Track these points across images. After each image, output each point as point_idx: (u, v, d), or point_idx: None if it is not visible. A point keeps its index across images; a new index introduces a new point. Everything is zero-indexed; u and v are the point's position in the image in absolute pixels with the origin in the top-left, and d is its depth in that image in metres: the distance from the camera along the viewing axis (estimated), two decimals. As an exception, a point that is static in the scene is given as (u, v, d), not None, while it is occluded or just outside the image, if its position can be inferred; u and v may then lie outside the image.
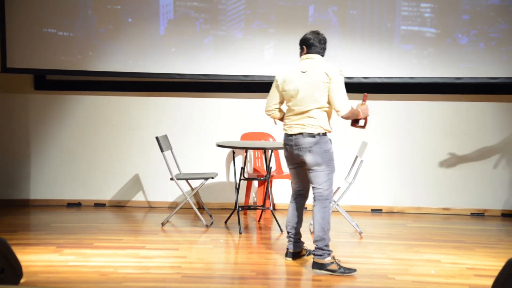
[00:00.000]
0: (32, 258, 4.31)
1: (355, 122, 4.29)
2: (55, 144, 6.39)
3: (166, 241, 4.99)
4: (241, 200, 6.15)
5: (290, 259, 4.42)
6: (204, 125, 6.35)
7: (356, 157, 5.51)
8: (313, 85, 4.11)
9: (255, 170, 6.15)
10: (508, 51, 5.93)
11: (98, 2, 6.08)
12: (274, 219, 5.54)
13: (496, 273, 2.81)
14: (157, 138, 5.51)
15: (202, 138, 6.32)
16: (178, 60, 6.07)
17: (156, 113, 6.36)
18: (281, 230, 5.32)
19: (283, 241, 5.14)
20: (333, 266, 4.11)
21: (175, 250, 4.64)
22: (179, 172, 5.78)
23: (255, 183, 6.17)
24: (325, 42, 4.24)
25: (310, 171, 4.16)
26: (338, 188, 5.46)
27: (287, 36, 6.03)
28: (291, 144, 4.20)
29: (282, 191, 6.28)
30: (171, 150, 5.79)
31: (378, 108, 6.29)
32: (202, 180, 5.55)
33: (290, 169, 4.38)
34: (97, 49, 6.09)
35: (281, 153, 6.24)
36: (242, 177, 5.57)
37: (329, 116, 4.17)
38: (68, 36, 6.12)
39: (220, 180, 6.31)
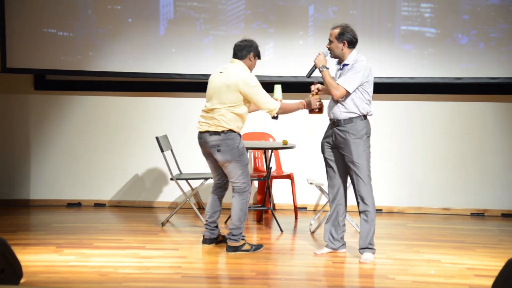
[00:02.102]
0: (32, 258, 4.31)
1: (311, 110, 4.57)
2: (55, 144, 6.39)
3: (166, 241, 4.99)
4: (241, 200, 6.15)
5: (206, 245, 4.69)
6: (204, 125, 6.33)
7: (356, 157, 5.50)
8: (222, 85, 4.37)
9: (255, 170, 6.15)
10: (508, 51, 5.93)
11: (98, 2, 6.08)
12: (274, 219, 5.54)
13: (496, 273, 2.80)
14: (157, 138, 5.50)
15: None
16: (178, 60, 6.07)
17: (156, 113, 6.35)
18: (281, 230, 5.32)
19: (283, 241, 5.14)
20: (246, 246, 4.52)
21: (175, 250, 4.64)
22: (179, 172, 5.78)
23: (255, 183, 6.17)
24: (243, 48, 4.45)
25: (223, 167, 4.46)
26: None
27: (287, 36, 6.04)
28: (201, 142, 4.49)
29: (282, 191, 6.28)
30: (171, 150, 5.79)
31: (378, 108, 6.28)
32: (202, 180, 5.55)
33: (208, 163, 4.63)
34: (97, 49, 6.09)
35: (281, 153, 6.24)
36: (242, 177, 5.56)
37: (238, 118, 4.42)
38: (68, 36, 6.12)
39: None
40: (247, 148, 5.33)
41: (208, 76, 6.02)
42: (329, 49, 4.45)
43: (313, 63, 4.47)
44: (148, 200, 6.41)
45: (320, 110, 4.57)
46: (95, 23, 6.10)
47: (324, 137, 4.61)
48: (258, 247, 4.61)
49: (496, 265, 4.27)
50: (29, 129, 6.38)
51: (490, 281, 2.89)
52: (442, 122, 6.28)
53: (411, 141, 6.30)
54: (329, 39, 4.43)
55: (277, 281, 4.03)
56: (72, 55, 6.12)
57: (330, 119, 4.51)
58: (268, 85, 6.26)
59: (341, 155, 4.45)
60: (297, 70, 6.02)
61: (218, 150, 4.38)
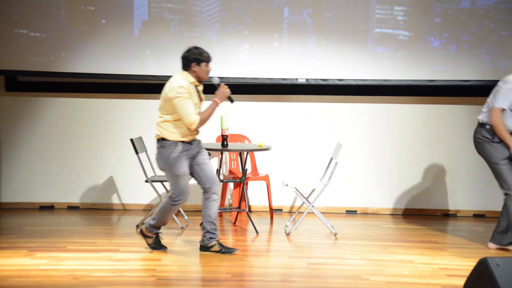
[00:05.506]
0: (3, 262, 4.24)
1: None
2: (27, 146, 6.29)
3: (141, 244, 4.93)
4: (217, 202, 6.13)
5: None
6: (179, 127, 6.30)
7: (331, 158, 5.55)
8: (161, 96, 4.49)
9: (230, 172, 6.14)
10: (479, 54, 6.03)
11: (71, 2, 6.01)
12: (249, 221, 5.54)
13: (467, 273, 2.85)
14: (131, 140, 5.46)
15: (177, 140, 6.28)
16: (152, 62, 6.03)
17: (131, 115, 6.30)
18: (257, 232, 5.33)
19: (258, 243, 5.15)
20: (149, 240, 4.66)
21: (150, 252, 4.61)
22: (154, 174, 5.74)
23: (231, 185, 6.16)
24: (184, 58, 4.45)
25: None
26: (313, 189, 5.49)
27: (262, 38, 6.05)
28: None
29: (257, 193, 6.28)
30: (146, 152, 5.74)
31: (353, 110, 6.34)
32: (177, 182, 5.51)
33: None
34: (70, 50, 6.02)
35: (257, 154, 6.24)
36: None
37: (175, 126, 4.43)
38: (40, 36, 6.04)
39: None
40: (223, 150, 5.33)
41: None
42: None
43: None
44: (123, 203, 6.36)
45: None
46: (68, 24, 6.02)
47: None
48: (159, 247, 4.64)
49: (467, 265, 4.33)
50: None
51: (462, 281, 2.94)
52: (416, 124, 6.35)
53: (385, 142, 6.36)
54: None
55: (253, 283, 4.03)
56: (44, 56, 6.04)
57: None
58: (243, 87, 6.27)
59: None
60: (272, 71, 6.05)
61: (156, 155, 4.52)
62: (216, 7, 6.02)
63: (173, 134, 4.41)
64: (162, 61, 6.02)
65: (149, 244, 4.65)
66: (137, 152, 5.44)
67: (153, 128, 6.18)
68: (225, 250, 4.56)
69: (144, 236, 4.65)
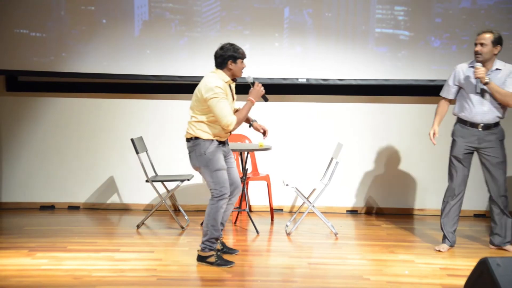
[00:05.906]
0: (4, 262, 4.25)
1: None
2: (28, 146, 6.29)
3: (141, 244, 4.96)
4: (217, 202, 6.13)
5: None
6: (180, 127, 6.27)
7: (332, 158, 5.55)
8: (194, 95, 4.32)
9: (231, 172, 6.13)
10: (479, 54, 6.02)
11: (71, 2, 6.02)
12: (250, 221, 5.54)
13: (468, 273, 2.85)
14: (132, 140, 5.46)
15: (178, 140, 6.26)
16: (153, 62, 6.04)
17: (131, 115, 6.31)
18: (257, 232, 5.33)
19: (259, 243, 5.15)
20: (211, 259, 4.27)
21: (151, 252, 4.62)
22: (154, 174, 5.75)
23: (231, 185, 6.16)
24: (219, 56, 4.27)
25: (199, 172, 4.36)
26: (314, 189, 5.49)
27: (263, 38, 6.05)
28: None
29: (258, 193, 6.28)
30: (146, 152, 5.75)
31: (353, 109, 6.34)
32: (178, 182, 5.52)
33: None
34: (71, 50, 6.02)
35: (257, 154, 6.25)
36: (218, 179, 5.54)
37: (210, 127, 4.26)
38: (41, 36, 6.04)
39: (196, 182, 6.28)
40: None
41: (183, 77, 6.07)
42: (478, 52, 4.54)
43: (475, 78, 4.53)
44: (123, 203, 6.36)
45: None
46: (68, 24, 6.03)
47: (464, 141, 4.79)
48: (225, 263, 4.29)
49: (468, 264, 4.34)
50: (0, 131, 6.27)
51: (463, 281, 2.94)
52: (416, 124, 6.34)
53: (386, 142, 6.36)
54: (481, 43, 4.53)
55: (253, 283, 4.03)
56: (45, 56, 6.04)
57: (477, 124, 4.67)
58: (244, 87, 6.27)
59: (478, 157, 4.80)
60: (273, 71, 6.05)
61: (190, 156, 4.32)
62: (216, 7, 6.02)
63: (207, 134, 4.26)
64: (162, 61, 6.03)
65: (212, 263, 4.27)
66: (137, 152, 5.44)
67: (154, 127, 6.25)
68: (226, 250, 4.55)
69: (203, 259, 4.30)
